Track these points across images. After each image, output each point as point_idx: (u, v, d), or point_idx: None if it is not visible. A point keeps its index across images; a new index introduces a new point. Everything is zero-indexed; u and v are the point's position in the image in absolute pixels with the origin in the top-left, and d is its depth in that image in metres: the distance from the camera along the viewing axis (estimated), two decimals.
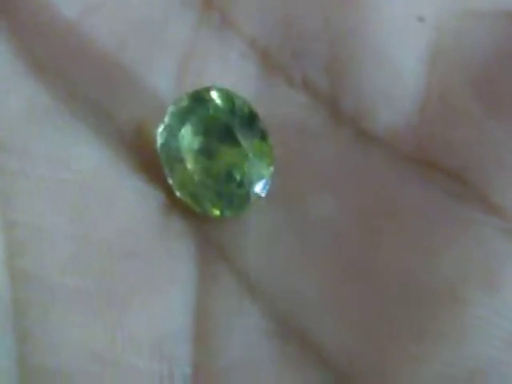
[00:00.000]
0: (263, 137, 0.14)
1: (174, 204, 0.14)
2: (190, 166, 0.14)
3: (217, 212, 0.14)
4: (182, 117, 0.14)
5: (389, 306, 0.13)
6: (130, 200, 0.14)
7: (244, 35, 0.15)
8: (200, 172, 0.14)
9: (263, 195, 0.14)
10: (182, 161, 0.14)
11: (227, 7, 0.15)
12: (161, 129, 0.14)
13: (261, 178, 0.14)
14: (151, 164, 0.14)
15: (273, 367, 0.13)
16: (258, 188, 0.14)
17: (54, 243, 0.13)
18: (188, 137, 0.14)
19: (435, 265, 0.13)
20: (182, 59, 0.14)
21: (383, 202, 0.14)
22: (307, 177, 0.14)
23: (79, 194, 0.14)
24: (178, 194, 0.14)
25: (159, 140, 0.14)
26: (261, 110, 0.14)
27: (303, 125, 0.14)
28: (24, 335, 0.13)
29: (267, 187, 0.14)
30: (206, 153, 0.14)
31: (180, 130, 0.14)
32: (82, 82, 0.14)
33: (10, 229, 0.13)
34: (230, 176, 0.14)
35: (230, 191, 0.14)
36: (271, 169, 0.14)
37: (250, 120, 0.14)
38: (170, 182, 0.14)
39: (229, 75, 0.14)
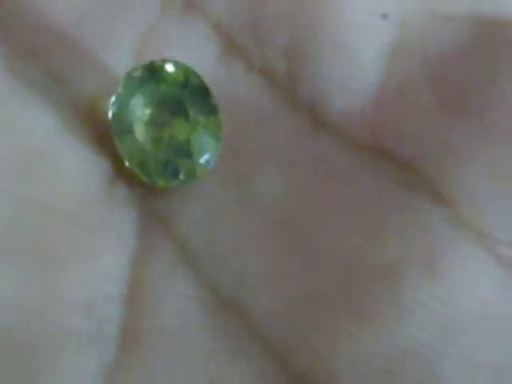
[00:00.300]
0: (214, 112, 0.14)
1: (120, 173, 0.14)
2: (139, 136, 0.14)
3: (162, 182, 0.14)
4: (134, 87, 0.14)
5: (327, 283, 0.13)
6: (77, 167, 0.14)
7: (208, 18, 0.15)
8: (149, 142, 0.14)
9: (209, 168, 0.14)
10: (131, 131, 0.14)
11: None
12: (113, 99, 0.14)
13: (208, 151, 0.14)
14: (103, 135, 0.14)
15: (202, 335, 0.13)
16: (204, 160, 0.14)
17: None
18: (139, 107, 0.14)
19: (379, 247, 0.13)
20: (143, 37, 0.15)
21: (332, 186, 0.14)
22: (258, 156, 0.14)
23: (27, 156, 0.14)
24: (126, 163, 0.14)
25: (111, 110, 0.14)
26: (217, 90, 0.14)
27: (258, 106, 0.14)
28: None
29: (213, 160, 0.14)
30: (155, 124, 0.14)
31: (131, 101, 0.14)
32: (40, 49, 0.14)
33: None
34: (177, 147, 0.14)
35: (177, 162, 0.14)
36: (219, 143, 0.14)
37: (202, 95, 0.14)
38: (120, 151, 0.14)
39: (189, 55, 0.14)
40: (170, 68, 0.14)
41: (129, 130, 0.14)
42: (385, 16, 0.15)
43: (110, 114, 0.14)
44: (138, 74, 0.14)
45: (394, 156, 0.14)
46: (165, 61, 0.14)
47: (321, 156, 0.14)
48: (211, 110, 0.14)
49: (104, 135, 0.14)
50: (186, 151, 0.14)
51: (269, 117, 0.14)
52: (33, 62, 0.14)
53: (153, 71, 0.14)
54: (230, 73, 0.15)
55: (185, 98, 0.14)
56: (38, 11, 0.14)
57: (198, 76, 0.14)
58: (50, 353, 0.13)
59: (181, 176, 0.14)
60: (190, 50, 0.15)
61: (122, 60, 0.14)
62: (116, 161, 0.14)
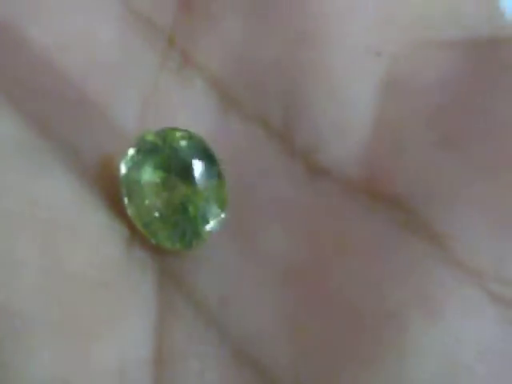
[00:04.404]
0: (220, 179, 0.14)
1: (135, 235, 0.14)
2: (147, 198, 0.14)
3: (168, 244, 0.14)
4: (145, 151, 0.14)
5: (333, 332, 0.13)
6: (94, 233, 0.14)
7: (205, 74, 0.15)
8: (157, 205, 0.14)
9: (214, 233, 0.14)
10: (140, 193, 0.14)
11: (189, 47, 0.15)
12: (124, 161, 0.14)
13: (214, 217, 0.14)
14: (114, 196, 0.15)
15: None
16: (210, 227, 0.14)
17: (22, 276, 0.14)
18: (149, 171, 0.14)
19: (380, 294, 0.13)
20: (145, 96, 0.15)
21: (332, 234, 0.14)
22: (259, 210, 0.14)
23: (47, 227, 0.14)
24: (136, 225, 0.14)
25: (122, 171, 0.14)
26: (218, 144, 0.15)
27: (257, 158, 0.15)
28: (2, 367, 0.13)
29: (219, 226, 0.14)
30: (164, 188, 0.14)
31: (142, 164, 0.14)
32: (48, 116, 0.15)
33: None
34: (184, 211, 0.14)
35: (183, 226, 0.14)
36: (224, 210, 0.14)
37: (210, 163, 0.14)
38: (129, 213, 0.14)
39: (189, 111, 0.15)
40: (179, 135, 0.15)
41: (138, 192, 0.14)
42: (374, 51, 0.15)
43: (120, 176, 0.14)
44: (150, 138, 0.14)
45: (389, 196, 0.14)
46: (175, 128, 0.15)
47: (319, 205, 0.14)
48: (218, 177, 0.14)
49: (115, 197, 0.15)
50: (192, 217, 0.14)
51: (267, 168, 0.15)
52: (43, 128, 0.15)
53: (164, 137, 0.14)
54: (229, 126, 0.15)
55: (193, 165, 0.14)
56: (46, 79, 0.15)
57: (205, 144, 0.15)
58: None
59: (187, 240, 0.14)
60: (189, 107, 0.15)
61: (127, 121, 0.15)
62: (130, 223, 0.14)
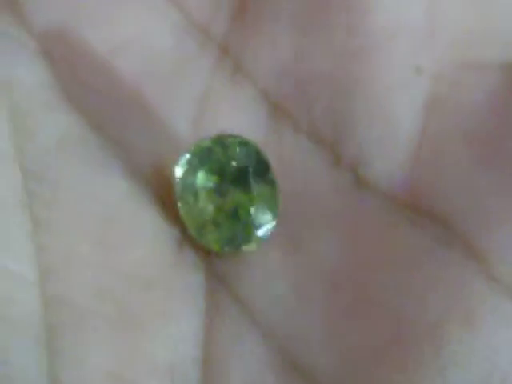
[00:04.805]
0: (272, 186, 0.15)
1: (186, 237, 0.15)
2: (201, 202, 0.15)
3: (218, 247, 0.15)
4: (201, 156, 0.15)
5: (377, 341, 0.14)
6: (148, 232, 0.15)
7: (256, 82, 0.16)
8: (209, 209, 0.15)
9: (264, 239, 0.15)
10: (194, 196, 0.15)
11: (241, 54, 0.16)
12: (180, 164, 0.15)
13: (265, 223, 0.15)
14: (167, 198, 0.15)
15: None
16: (261, 233, 0.15)
17: (80, 270, 0.14)
18: (204, 175, 0.15)
19: (421, 304, 0.14)
20: (198, 101, 0.16)
21: (376, 245, 0.15)
22: (307, 219, 0.15)
23: (103, 223, 0.14)
24: (187, 227, 0.15)
25: (177, 174, 0.15)
26: (268, 153, 0.15)
27: (307, 169, 0.15)
28: (55, 355, 0.14)
29: (269, 233, 0.15)
30: (217, 192, 0.15)
31: (198, 168, 0.15)
32: (106, 118, 0.15)
33: (41, 254, 0.14)
34: (235, 216, 0.15)
35: (234, 231, 0.15)
36: (276, 216, 0.15)
37: (263, 169, 0.15)
38: (182, 215, 0.15)
39: (240, 119, 0.15)
40: (235, 141, 0.15)
41: (192, 195, 0.15)
42: (419, 70, 0.15)
43: (176, 178, 0.15)
44: (205, 145, 0.15)
45: (431, 212, 0.14)
46: (231, 135, 0.15)
47: (364, 216, 0.15)
48: (270, 183, 0.15)
49: (168, 198, 0.15)
50: (243, 222, 0.15)
51: (317, 179, 0.15)
52: (101, 129, 0.15)
53: (220, 143, 0.15)
54: (280, 136, 0.15)
55: (248, 171, 0.15)
56: (104, 81, 0.15)
57: (259, 150, 0.15)
58: None
59: (236, 244, 0.15)
60: (240, 115, 0.16)
61: (181, 125, 0.15)
62: (181, 224, 0.15)
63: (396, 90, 0.15)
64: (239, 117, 0.16)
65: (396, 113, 0.15)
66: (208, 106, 0.16)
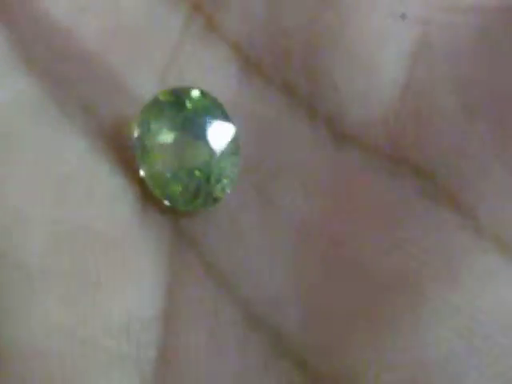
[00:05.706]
0: (234, 138, 0.14)
1: (149, 197, 0.14)
2: (161, 159, 0.14)
3: (182, 206, 0.14)
4: (158, 112, 0.14)
5: (349, 294, 0.13)
6: (108, 191, 0.14)
7: (228, 39, 0.15)
8: (170, 166, 0.14)
9: (227, 193, 0.14)
10: (153, 154, 0.14)
11: (214, 12, 0.15)
12: (137, 122, 0.14)
13: (227, 176, 0.14)
14: (129, 157, 0.14)
15: (233, 352, 0.14)
16: (223, 185, 0.14)
17: (35, 226, 0.14)
18: (162, 131, 0.14)
19: (400, 258, 0.13)
20: (166, 60, 0.15)
21: (355, 198, 0.14)
22: (281, 176, 0.14)
23: (63, 182, 0.14)
24: (149, 186, 0.14)
25: (135, 133, 0.14)
26: (240, 110, 0.14)
27: (280, 124, 0.15)
28: (2, 314, 0.13)
29: (232, 186, 0.14)
30: (177, 148, 0.14)
31: (155, 125, 0.14)
32: (68, 78, 0.15)
33: None
34: (197, 172, 0.14)
35: (196, 187, 0.14)
36: (237, 168, 0.14)
37: (223, 122, 0.14)
38: (142, 174, 0.14)
39: (211, 77, 0.15)
40: (193, 94, 0.14)
41: (151, 153, 0.14)
42: (404, 16, 0.14)
43: (134, 137, 0.14)
44: (162, 98, 0.14)
45: (414, 163, 0.14)
46: (189, 88, 0.14)
47: (342, 169, 0.14)
48: (231, 135, 0.14)
49: (130, 159, 0.14)
50: (205, 177, 0.14)
51: (289, 132, 0.14)
52: (62, 89, 0.15)
53: (177, 97, 0.14)
54: (253, 92, 0.15)
55: (206, 123, 0.14)
56: (65, 41, 0.15)
57: (219, 103, 0.14)
58: (97, 376, 0.13)
59: (200, 200, 0.14)
60: (211, 72, 0.15)
61: (146, 85, 0.15)
62: (143, 184, 0.14)
63: (379, 38, 0.14)
64: (209, 75, 0.15)
65: (377, 62, 0.14)
66: (176, 64, 0.15)
